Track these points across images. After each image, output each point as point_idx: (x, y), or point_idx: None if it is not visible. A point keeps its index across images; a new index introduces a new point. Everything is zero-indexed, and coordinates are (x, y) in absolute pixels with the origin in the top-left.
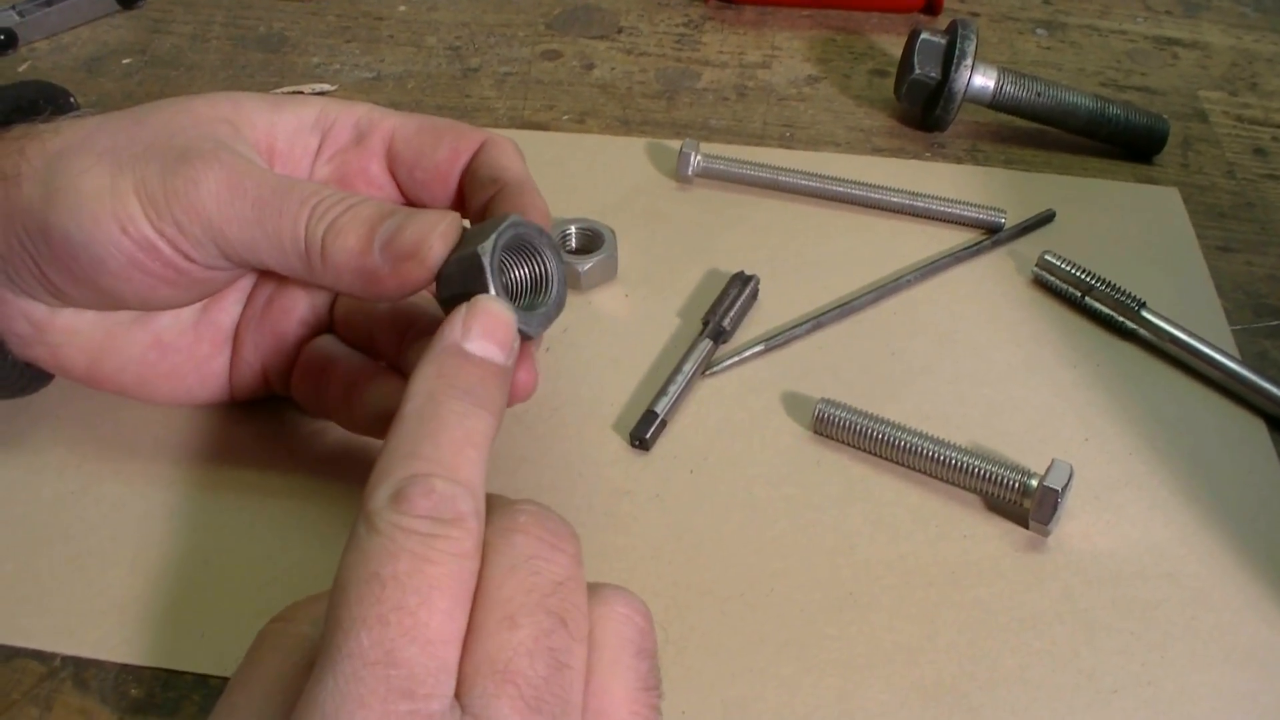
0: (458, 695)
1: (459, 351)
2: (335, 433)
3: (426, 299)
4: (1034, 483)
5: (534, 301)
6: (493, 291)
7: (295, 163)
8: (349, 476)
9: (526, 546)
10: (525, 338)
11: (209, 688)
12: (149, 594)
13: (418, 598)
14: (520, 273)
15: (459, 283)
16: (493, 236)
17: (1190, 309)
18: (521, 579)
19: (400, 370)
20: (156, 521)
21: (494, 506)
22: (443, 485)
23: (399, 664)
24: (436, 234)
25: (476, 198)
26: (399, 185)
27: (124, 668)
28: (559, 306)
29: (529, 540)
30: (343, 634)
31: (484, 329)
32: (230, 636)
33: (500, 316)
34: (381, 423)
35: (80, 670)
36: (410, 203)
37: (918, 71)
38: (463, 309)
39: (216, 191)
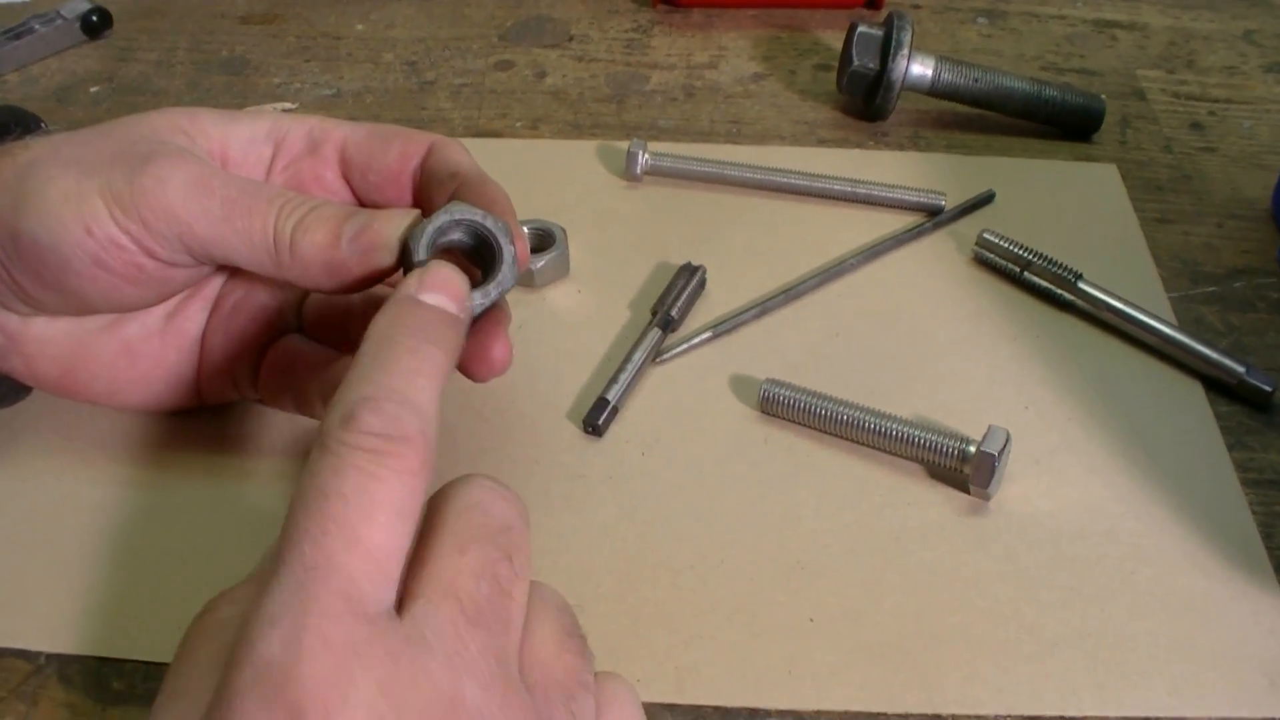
0: (400, 608)
1: (412, 299)
2: (308, 427)
3: None
4: (972, 449)
5: (485, 279)
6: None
7: (249, 171)
8: None
9: (479, 494)
10: (476, 311)
11: None
12: (128, 592)
13: (360, 512)
14: (465, 250)
15: (408, 272)
16: (433, 219)
17: (1128, 279)
18: (473, 517)
19: None
20: (133, 523)
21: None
22: (391, 406)
23: (338, 570)
24: (402, 225)
25: (438, 194)
26: (354, 191)
27: (105, 662)
28: (508, 280)
29: (482, 489)
30: (289, 546)
31: (435, 282)
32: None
33: (450, 275)
34: None
35: (64, 666)
36: (366, 206)
37: (856, 63)
38: (417, 271)
39: (184, 189)
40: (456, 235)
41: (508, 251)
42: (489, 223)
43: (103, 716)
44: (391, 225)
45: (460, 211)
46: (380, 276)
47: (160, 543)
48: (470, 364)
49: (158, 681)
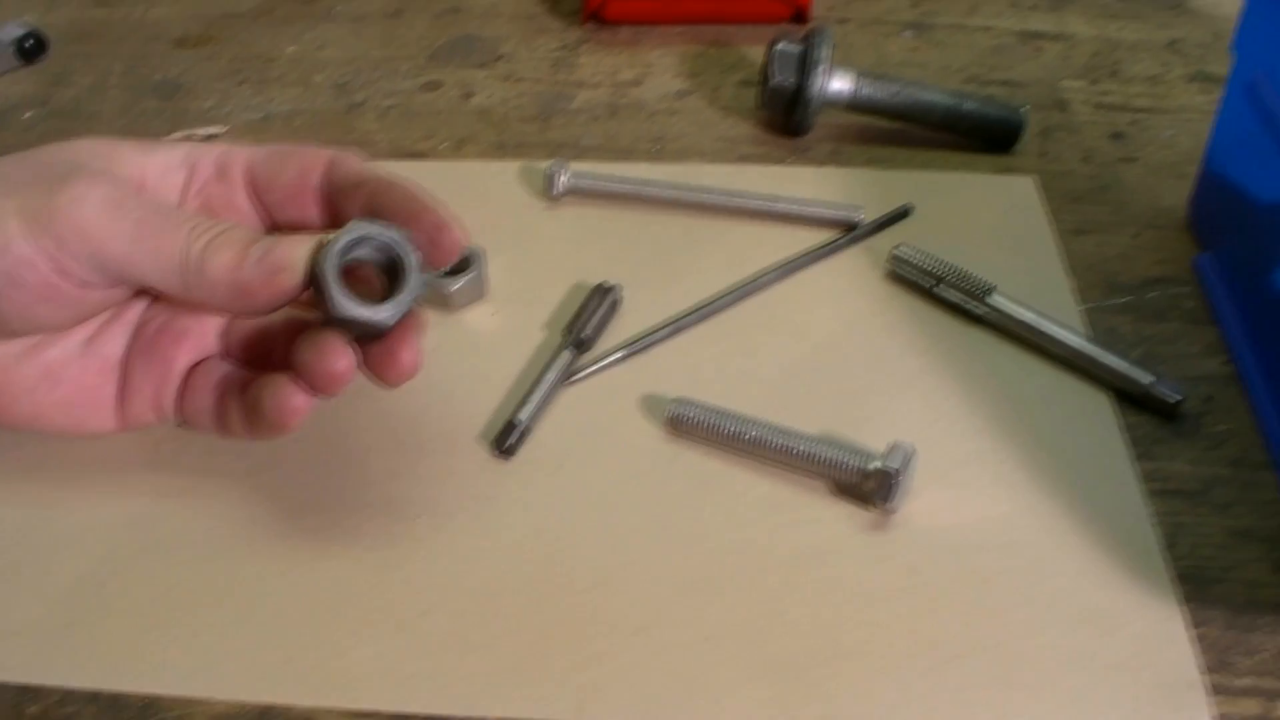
0: None
1: None
2: (226, 450)
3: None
4: (874, 465)
5: (393, 290)
6: (333, 298)
7: (164, 196)
8: (232, 495)
9: None
10: (381, 328)
11: (100, 701)
12: (44, 617)
13: None
14: (371, 265)
15: (318, 292)
16: (334, 246)
17: (1042, 291)
18: None
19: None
20: (50, 546)
21: None
22: None
23: None
24: (307, 247)
25: (349, 205)
26: (264, 214)
27: (23, 689)
28: (417, 287)
29: None
30: None
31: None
32: (121, 652)
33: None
34: (267, 420)
35: None
36: (277, 228)
37: (775, 80)
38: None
39: (99, 208)
40: (363, 251)
41: (413, 260)
42: (391, 235)
43: None
44: (294, 248)
45: (361, 228)
46: (286, 299)
47: (76, 567)
48: (380, 370)
49: (75, 706)
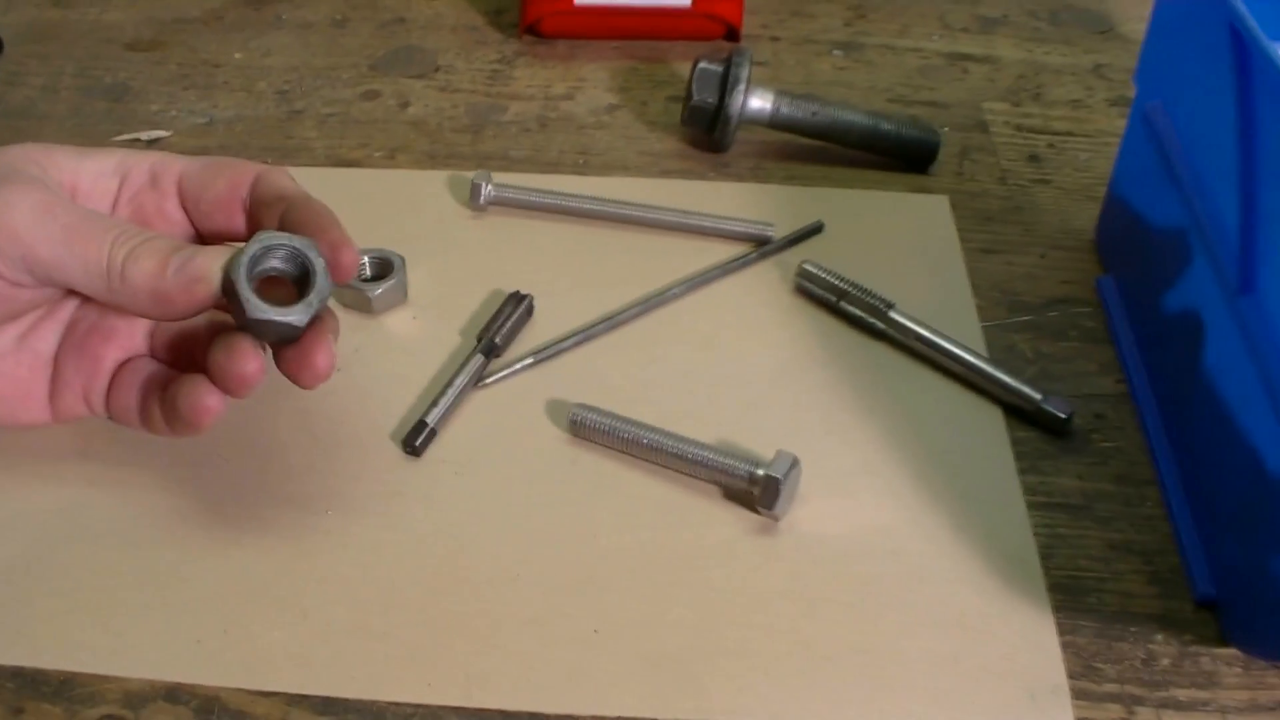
0: None
1: None
2: (150, 443)
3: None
4: (760, 472)
5: (303, 292)
6: (246, 304)
7: (96, 202)
8: (156, 486)
9: None
10: (293, 329)
11: (22, 677)
12: None
13: None
14: (280, 274)
15: (232, 299)
16: (240, 254)
17: (946, 308)
18: None
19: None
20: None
21: None
22: None
23: None
24: (222, 259)
25: (268, 218)
26: (192, 221)
27: None
28: (325, 289)
29: None
30: None
31: None
32: (43, 631)
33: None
34: (182, 418)
35: None
36: (204, 235)
37: (696, 98)
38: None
39: (29, 213)
40: (273, 262)
41: (318, 264)
42: (296, 243)
43: None
44: (212, 259)
45: (268, 238)
46: (202, 307)
47: (4, 552)
48: (296, 372)
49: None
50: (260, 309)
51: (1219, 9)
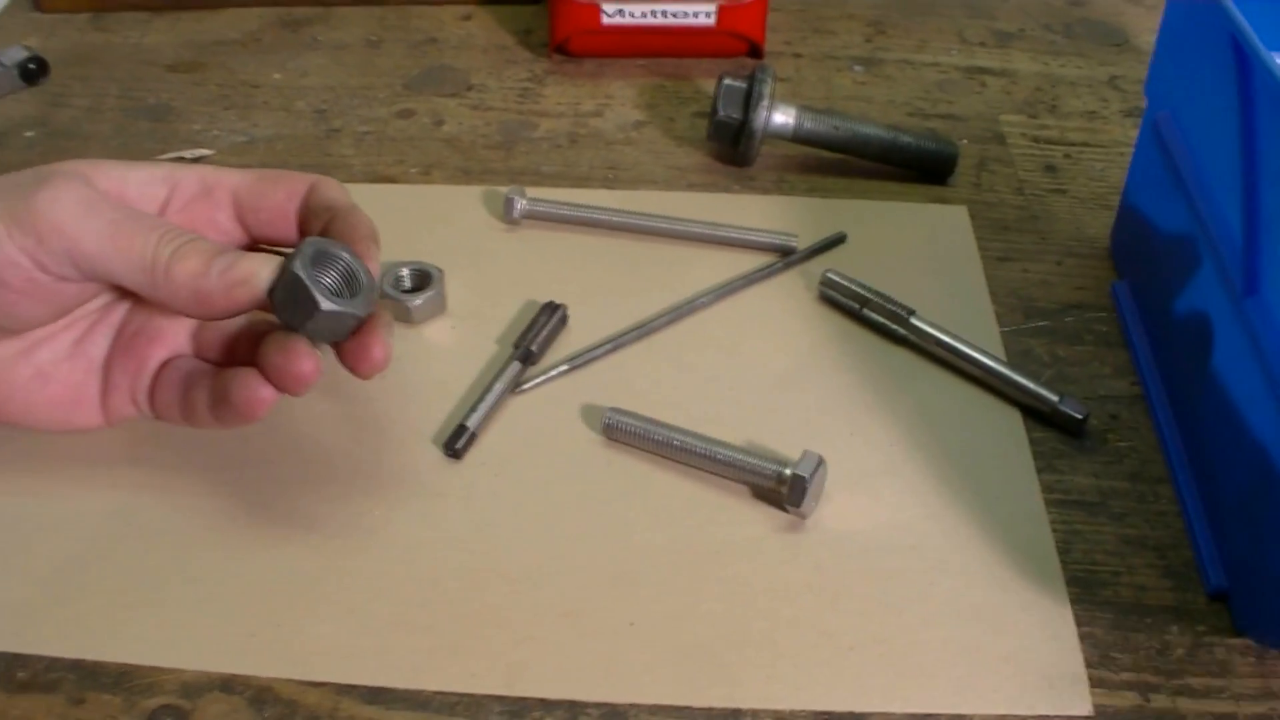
0: None
1: None
2: (195, 438)
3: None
4: (787, 472)
5: (354, 291)
6: (318, 298)
7: (144, 208)
8: (203, 488)
9: None
10: (358, 320)
11: (81, 669)
12: (33, 594)
13: None
14: (332, 275)
15: (291, 299)
16: (300, 256)
17: (965, 314)
18: None
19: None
20: (41, 531)
21: None
22: None
23: None
24: (265, 266)
25: (314, 226)
26: (248, 230)
27: (13, 656)
28: (374, 289)
29: None
30: None
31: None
32: (101, 625)
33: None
34: (235, 409)
35: None
36: (258, 244)
37: (721, 114)
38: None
39: (74, 207)
40: (324, 263)
41: (359, 265)
42: (338, 247)
43: (9, 703)
44: (257, 265)
45: (318, 243)
46: (242, 309)
47: (63, 550)
48: (355, 362)
49: (59, 673)
50: (334, 302)
51: (1221, 21)
